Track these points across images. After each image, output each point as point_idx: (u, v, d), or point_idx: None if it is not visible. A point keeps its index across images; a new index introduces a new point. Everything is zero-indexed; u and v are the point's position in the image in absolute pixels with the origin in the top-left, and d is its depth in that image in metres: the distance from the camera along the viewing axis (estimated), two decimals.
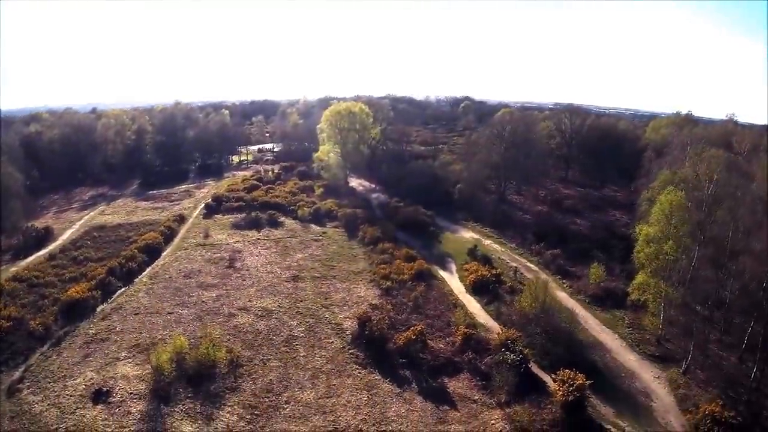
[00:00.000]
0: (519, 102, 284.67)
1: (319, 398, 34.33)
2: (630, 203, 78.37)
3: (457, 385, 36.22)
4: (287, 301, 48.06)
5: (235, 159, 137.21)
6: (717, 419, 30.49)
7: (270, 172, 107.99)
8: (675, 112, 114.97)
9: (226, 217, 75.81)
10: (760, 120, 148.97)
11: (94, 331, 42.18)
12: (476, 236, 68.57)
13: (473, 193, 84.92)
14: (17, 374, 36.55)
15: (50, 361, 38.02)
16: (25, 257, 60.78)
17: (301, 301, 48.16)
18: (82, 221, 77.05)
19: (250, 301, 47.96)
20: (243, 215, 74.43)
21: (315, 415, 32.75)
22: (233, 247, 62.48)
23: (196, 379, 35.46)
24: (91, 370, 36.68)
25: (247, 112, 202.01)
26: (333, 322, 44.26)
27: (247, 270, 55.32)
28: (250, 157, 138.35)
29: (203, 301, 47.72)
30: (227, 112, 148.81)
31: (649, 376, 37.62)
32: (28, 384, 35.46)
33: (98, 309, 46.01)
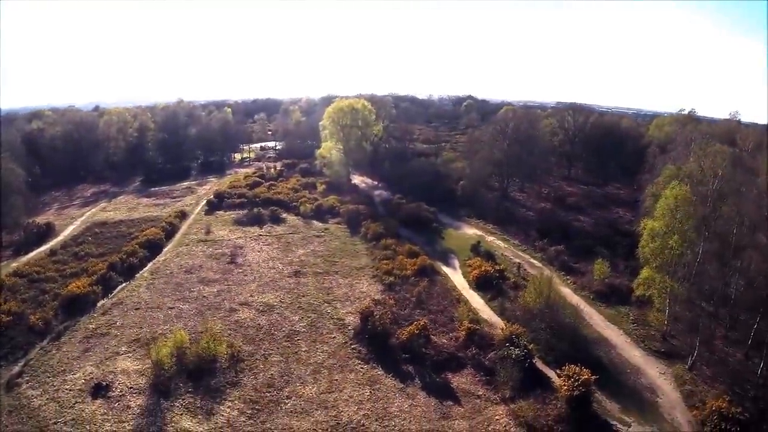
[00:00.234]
0: (521, 101, 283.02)
1: (321, 393, 34.01)
2: (633, 200, 78.16)
3: (460, 380, 35.88)
4: (289, 296, 47.77)
5: (238, 156, 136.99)
6: (724, 415, 30.22)
7: (272, 169, 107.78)
8: (680, 109, 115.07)
9: (228, 213, 75.55)
10: (761, 120, 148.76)
11: (94, 326, 41.98)
12: (479, 233, 68.14)
13: (476, 189, 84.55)
14: (16, 368, 36.30)
15: (50, 356, 37.80)
16: (26, 253, 60.60)
17: (303, 296, 47.86)
18: (84, 217, 76.90)
19: (251, 296, 47.67)
20: (245, 211, 74.28)
21: (317, 410, 32.42)
22: (235, 243, 62.22)
23: (197, 374, 35.20)
24: (91, 365, 36.45)
25: (249, 110, 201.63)
26: (335, 317, 43.94)
27: (248, 265, 55.04)
28: (252, 155, 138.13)
29: (204, 296, 47.47)
30: (230, 109, 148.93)
31: (654, 372, 37.21)
32: (28, 378, 35.23)
33: (99, 304, 45.78)
